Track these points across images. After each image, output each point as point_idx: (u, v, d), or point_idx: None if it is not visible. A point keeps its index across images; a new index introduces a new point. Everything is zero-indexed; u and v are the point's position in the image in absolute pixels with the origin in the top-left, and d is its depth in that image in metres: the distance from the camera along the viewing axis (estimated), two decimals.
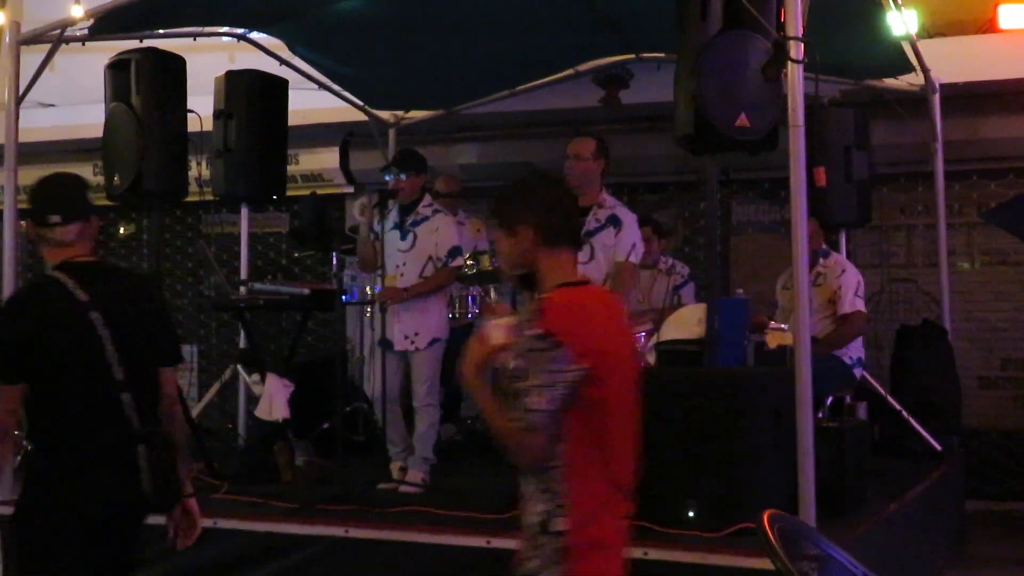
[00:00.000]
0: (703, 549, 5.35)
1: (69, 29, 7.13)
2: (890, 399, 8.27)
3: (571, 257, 3.39)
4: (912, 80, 8.80)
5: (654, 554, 5.38)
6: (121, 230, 13.50)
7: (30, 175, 12.62)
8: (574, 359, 3.11)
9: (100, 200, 8.30)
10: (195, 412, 8.27)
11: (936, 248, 9.38)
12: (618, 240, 6.76)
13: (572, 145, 6.88)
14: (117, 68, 7.43)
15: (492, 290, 8.85)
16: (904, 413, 8.22)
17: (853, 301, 7.68)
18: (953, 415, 8.79)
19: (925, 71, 8.69)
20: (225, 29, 8.32)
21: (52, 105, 11.77)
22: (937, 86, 8.96)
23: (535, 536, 3.31)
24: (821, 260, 7.76)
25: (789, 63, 5.43)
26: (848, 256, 8.69)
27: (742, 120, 5.75)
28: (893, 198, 10.26)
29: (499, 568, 5.62)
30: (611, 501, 3.38)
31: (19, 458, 11.15)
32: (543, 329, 3.13)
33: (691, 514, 5.65)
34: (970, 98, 9.53)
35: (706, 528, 5.54)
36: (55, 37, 7.13)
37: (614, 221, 6.78)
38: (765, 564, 5.07)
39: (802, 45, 5.40)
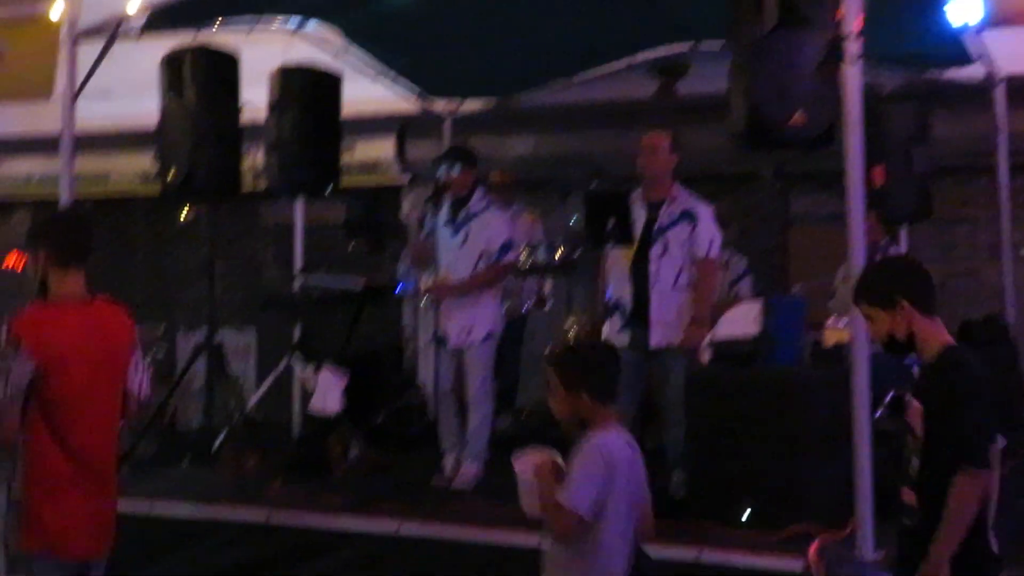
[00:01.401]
0: (758, 551, 5.30)
1: (124, 24, 7.14)
2: None
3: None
4: (975, 71, 8.63)
5: (708, 556, 5.33)
6: (182, 217, 13.59)
7: (89, 164, 12.76)
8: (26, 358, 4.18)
9: (155, 190, 8.38)
10: (250, 404, 8.32)
11: (999, 241, 9.21)
12: (695, 235, 6.66)
13: (648, 138, 6.80)
14: (171, 64, 7.48)
15: (547, 283, 8.84)
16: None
17: None
18: (1017, 412, 8.63)
19: (988, 62, 8.52)
20: (279, 21, 8.32)
21: (107, 97, 11.84)
22: (1001, 77, 8.78)
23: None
24: (879, 255, 7.61)
25: (846, 59, 5.33)
26: (909, 250, 8.55)
27: (798, 117, 5.64)
28: (955, 191, 10.07)
29: None
30: (75, 478, 4.32)
31: None
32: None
33: (747, 515, 5.60)
34: None
35: (762, 529, 5.47)
36: (110, 31, 7.15)
37: (689, 216, 6.69)
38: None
39: (859, 41, 5.29)
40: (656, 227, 6.67)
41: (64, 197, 7.18)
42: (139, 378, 4.63)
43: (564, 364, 4.25)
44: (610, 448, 4.04)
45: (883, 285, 4.06)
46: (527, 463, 4.15)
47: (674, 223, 6.66)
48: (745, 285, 8.32)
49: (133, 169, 12.85)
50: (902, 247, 8.36)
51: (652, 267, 6.59)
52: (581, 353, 4.38)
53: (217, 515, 6.48)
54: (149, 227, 13.84)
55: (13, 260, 13.11)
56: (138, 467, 7.90)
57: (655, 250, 6.61)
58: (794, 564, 5.19)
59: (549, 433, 8.46)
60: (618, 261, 6.69)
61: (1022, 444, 8.51)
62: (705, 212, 6.76)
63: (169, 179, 7.62)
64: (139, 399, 4.65)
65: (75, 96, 7.16)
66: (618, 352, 4.29)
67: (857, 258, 5.41)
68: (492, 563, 5.77)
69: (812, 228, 10.47)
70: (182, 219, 13.31)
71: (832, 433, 5.65)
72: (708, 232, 6.70)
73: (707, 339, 6.29)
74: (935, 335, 3.99)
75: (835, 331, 6.59)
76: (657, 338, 6.60)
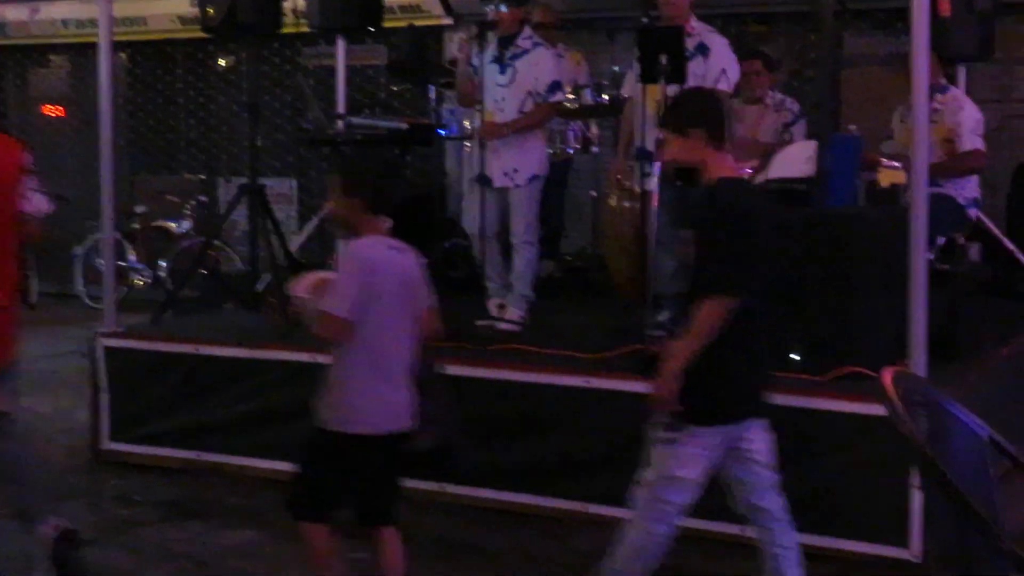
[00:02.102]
0: (808, 392, 5.24)
1: None
2: (1005, 240, 7.98)
3: None
4: None
5: None
6: (221, 62, 13.46)
7: (127, 7, 12.59)
8: None
9: (195, 32, 8.26)
10: (294, 247, 8.28)
11: None
12: (707, 68, 6.49)
13: None
14: None
15: (593, 124, 8.67)
16: (1019, 255, 7.93)
17: (971, 139, 7.29)
18: None
19: None
20: None
21: None
22: None
23: None
24: (938, 96, 7.34)
25: None
26: (967, 90, 8.28)
27: None
28: (1017, 29, 9.74)
29: (598, 407, 5.61)
30: None
31: (124, 291, 11.21)
32: None
33: (797, 357, 5.52)
34: None
35: (812, 371, 5.40)
36: None
37: (702, 49, 6.49)
38: (871, 409, 4.99)
39: None
40: None
41: (103, 42, 7.03)
42: (35, 200, 4.78)
43: (348, 171, 4.49)
44: (366, 252, 4.22)
45: (683, 114, 4.22)
46: (302, 284, 4.32)
47: (691, 57, 6.46)
48: (799, 128, 8.11)
49: (172, 11, 12.70)
50: (961, 88, 8.08)
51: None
52: (366, 166, 4.75)
53: (263, 355, 6.48)
54: (189, 71, 13.70)
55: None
56: (182, 311, 7.93)
57: (672, 88, 6.42)
58: (844, 405, 5.14)
59: (593, 277, 8.52)
60: (639, 104, 6.48)
61: None
62: (718, 42, 6.56)
63: (209, 19, 7.45)
64: (37, 217, 4.80)
65: None
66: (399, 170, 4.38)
67: (920, 94, 5.21)
68: (538, 403, 5.75)
69: (866, 70, 10.20)
70: (222, 64, 13.16)
71: (885, 274, 5.54)
72: (720, 62, 6.51)
73: (761, 178, 6.13)
74: (720, 167, 4.09)
75: (891, 171, 6.40)
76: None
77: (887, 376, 2.20)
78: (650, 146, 6.40)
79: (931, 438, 2.20)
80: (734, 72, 6.60)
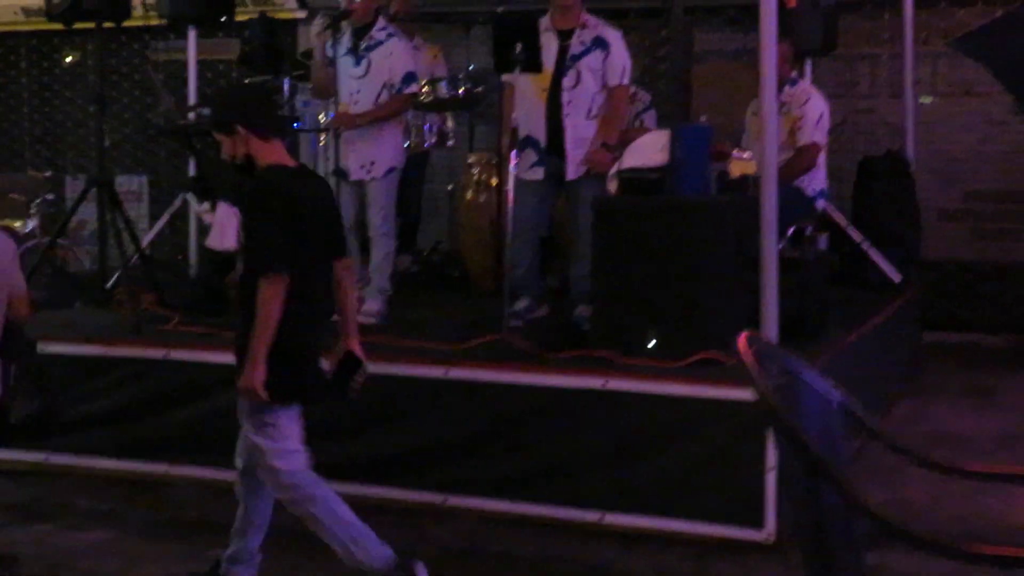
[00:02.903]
0: (664, 379, 5.30)
1: None
2: (850, 230, 8.21)
3: None
4: None
5: (614, 384, 5.33)
6: (67, 59, 13.10)
7: None
8: None
9: (40, 24, 8.02)
10: (145, 243, 8.10)
11: (901, 78, 9.22)
12: (608, 64, 6.58)
13: None
14: None
15: (448, 118, 8.67)
16: (864, 244, 8.16)
17: (812, 132, 7.48)
18: (913, 247, 8.77)
19: None
20: None
21: None
22: None
23: None
24: (787, 88, 7.54)
25: None
26: (812, 84, 8.49)
27: None
28: (858, 26, 10.03)
29: (458, 397, 5.60)
30: None
31: None
32: None
33: (652, 343, 5.59)
34: None
35: (667, 357, 5.47)
36: None
37: (600, 43, 6.57)
38: (726, 393, 5.08)
39: None
40: (568, 56, 6.54)
41: None
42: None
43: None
44: None
45: (222, 113, 4.47)
46: None
47: (587, 51, 6.54)
48: (650, 117, 8.25)
49: (15, 2, 12.32)
50: (807, 81, 8.28)
51: (565, 97, 6.47)
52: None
53: (114, 352, 6.32)
54: (34, 66, 13.30)
55: None
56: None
57: (568, 80, 6.50)
58: (698, 390, 5.22)
59: (449, 271, 8.52)
60: (526, 93, 6.53)
61: (919, 277, 8.71)
62: (616, 38, 6.66)
63: (53, 6, 7.24)
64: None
65: None
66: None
67: (769, 86, 5.32)
68: (395, 394, 5.72)
69: (716, 65, 10.39)
70: (68, 59, 12.82)
71: (737, 262, 5.64)
72: (620, 59, 6.62)
73: (615, 168, 6.20)
74: (268, 156, 4.33)
75: (741, 162, 6.53)
76: (573, 170, 6.53)
77: (742, 338, 2.25)
78: (540, 135, 6.50)
79: (784, 401, 2.25)
80: (630, 67, 6.70)
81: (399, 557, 4.40)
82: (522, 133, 6.60)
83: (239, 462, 4.55)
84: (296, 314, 4.21)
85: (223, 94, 4.80)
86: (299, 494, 4.36)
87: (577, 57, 6.52)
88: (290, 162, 4.46)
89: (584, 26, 6.59)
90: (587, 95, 6.54)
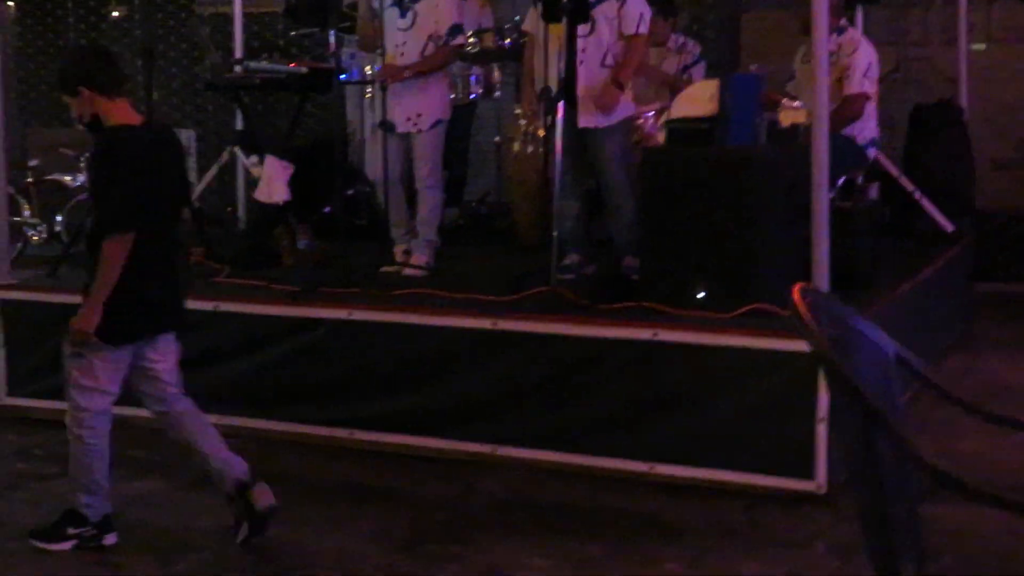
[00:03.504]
0: (713, 330, 5.27)
1: None
2: (902, 180, 8.10)
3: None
4: None
5: (664, 335, 5.31)
6: (114, 13, 13.14)
7: None
8: None
9: None
10: (194, 196, 8.12)
11: (954, 25, 9.06)
12: (623, 12, 6.47)
13: None
14: None
15: (495, 69, 8.62)
16: (916, 194, 8.06)
17: (860, 82, 7.35)
18: (966, 196, 8.65)
19: None
20: None
21: None
22: None
23: None
24: (835, 36, 7.41)
25: None
26: (863, 32, 8.37)
27: None
28: None
29: (505, 349, 5.60)
30: None
31: (19, 247, 11.01)
32: None
33: (701, 295, 5.56)
34: None
35: (717, 309, 5.44)
36: None
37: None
38: (776, 344, 5.05)
39: None
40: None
41: None
42: None
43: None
44: None
45: (66, 75, 4.53)
46: None
47: (601, 0, 6.43)
48: (698, 71, 8.17)
49: None
50: (856, 29, 8.16)
51: (579, 45, 6.34)
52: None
53: None
54: (81, 20, 13.35)
55: None
56: (78, 264, 7.75)
57: (582, 28, 6.37)
58: (748, 340, 5.19)
59: (497, 224, 8.50)
60: (544, 44, 6.44)
61: (972, 227, 8.60)
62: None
63: None
64: None
65: None
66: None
67: (820, 35, 5.24)
68: (444, 346, 5.73)
69: (764, 13, 10.26)
70: (115, 14, 12.86)
71: (788, 212, 5.59)
72: (636, 6, 6.50)
73: (662, 119, 6.15)
74: (116, 115, 4.46)
75: (792, 111, 6.44)
76: (585, 118, 6.46)
77: (795, 289, 2.22)
78: (553, 85, 6.36)
79: (839, 352, 2.22)
80: (648, 15, 6.58)
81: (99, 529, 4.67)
82: (539, 84, 6.53)
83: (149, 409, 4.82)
84: (138, 267, 4.40)
85: (65, 57, 4.93)
86: (79, 430, 4.58)
87: (592, 5, 6.38)
88: (136, 120, 4.58)
89: None
90: (601, 44, 6.44)
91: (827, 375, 2.21)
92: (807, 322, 2.10)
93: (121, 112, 4.50)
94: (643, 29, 6.54)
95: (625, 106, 6.60)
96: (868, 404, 2.07)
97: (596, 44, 6.45)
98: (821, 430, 4.98)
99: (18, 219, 11.40)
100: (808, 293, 2.22)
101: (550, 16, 6.11)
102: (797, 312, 2.13)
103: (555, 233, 6.18)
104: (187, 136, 12.29)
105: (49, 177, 11.82)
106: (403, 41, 6.83)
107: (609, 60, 6.48)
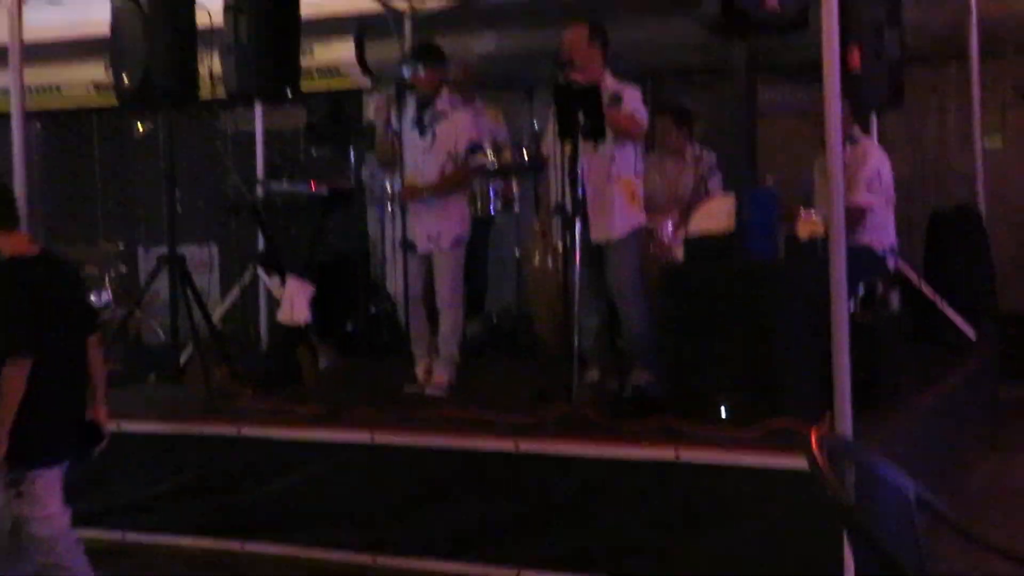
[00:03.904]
0: (736, 449, 5.23)
1: None
2: (923, 287, 8.09)
3: None
4: None
5: (686, 455, 5.27)
6: (139, 127, 13.32)
7: (40, 75, 12.48)
8: None
9: (111, 99, 8.16)
10: (216, 316, 8.18)
11: (970, 129, 9.11)
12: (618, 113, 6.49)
13: (566, 34, 6.61)
14: None
15: (514, 183, 8.69)
16: (938, 301, 8.04)
17: (860, 195, 7.36)
18: (987, 301, 8.62)
19: None
20: None
21: (59, 2, 11.53)
22: None
23: None
24: (847, 146, 7.46)
25: None
26: (879, 138, 8.41)
27: (772, 2, 5.49)
28: (925, 78, 9.95)
29: (527, 470, 5.57)
30: None
31: None
32: None
33: (724, 411, 5.54)
34: None
35: (740, 425, 5.41)
36: None
37: (616, 99, 6.48)
38: (800, 463, 4.98)
39: None
40: None
41: (15, 112, 6.93)
42: None
43: None
44: None
45: None
46: None
47: (608, 107, 6.47)
48: (715, 181, 8.21)
49: (87, 79, 12.58)
50: (873, 136, 8.22)
51: (584, 159, 6.30)
52: None
53: (187, 430, 6.37)
54: (105, 140, 13.55)
55: None
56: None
57: (587, 142, 6.39)
58: (772, 459, 5.14)
59: (519, 336, 8.51)
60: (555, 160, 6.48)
61: (996, 331, 8.55)
62: (630, 92, 6.52)
63: (123, 87, 7.37)
64: None
65: (20, 1, 6.89)
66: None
67: (834, 146, 5.28)
68: (467, 468, 5.70)
69: (781, 120, 10.35)
70: (139, 130, 13.03)
71: (809, 325, 5.58)
72: (631, 104, 6.47)
73: (681, 235, 6.18)
74: (9, 248, 4.65)
75: (809, 223, 6.47)
76: (595, 232, 6.45)
77: (813, 437, 2.21)
78: (564, 201, 6.39)
79: (858, 497, 2.21)
80: (642, 115, 6.56)
81: None
82: (553, 199, 6.57)
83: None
84: (42, 388, 4.53)
85: None
86: (55, 559, 4.65)
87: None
88: (33, 250, 4.75)
89: (605, 90, 6.50)
90: (605, 156, 6.45)
91: (848, 530, 2.19)
92: (828, 479, 2.09)
93: (18, 244, 4.70)
94: (639, 116, 6.50)
95: (634, 216, 6.59)
96: (889, 558, 2.05)
97: (600, 157, 6.46)
98: (848, 553, 4.91)
99: None
100: (826, 440, 2.21)
101: (566, 133, 6.16)
102: (817, 467, 2.12)
103: (575, 347, 6.17)
104: (210, 251, 12.41)
105: None
106: (423, 160, 6.91)
107: (614, 170, 6.50)
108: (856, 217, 7.31)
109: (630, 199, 6.52)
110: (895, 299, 7.99)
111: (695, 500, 5.26)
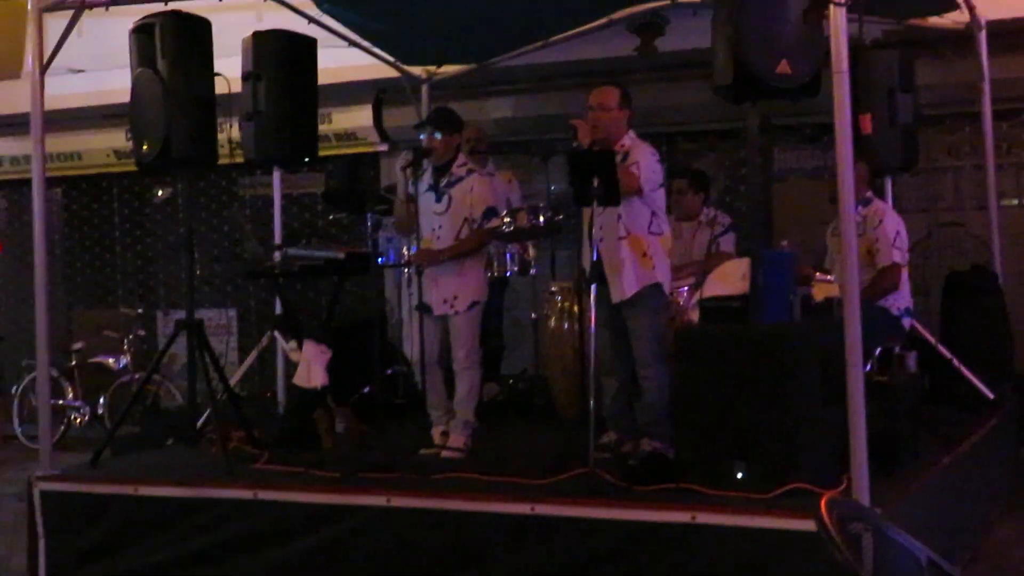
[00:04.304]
0: (753, 512, 5.21)
1: None
2: (940, 348, 8.08)
3: None
4: (957, 17, 8.54)
5: (703, 518, 5.25)
6: (159, 192, 13.46)
7: (62, 142, 12.72)
8: None
9: (130, 166, 8.26)
10: (233, 380, 8.21)
11: (985, 190, 9.14)
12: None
13: (595, 95, 6.59)
14: (142, 32, 7.27)
15: (530, 247, 8.73)
16: (955, 362, 8.02)
17: (890, 253, 7.45)
18: (1005, 361, 8.60)
19: (970, 7, 8.42)
20: None
21: (81, 71, 11.70)
22: (983, 23, 8.69)
23: None
24: (860, 208, 7.49)
25: (831, 6, 5.22)
26: (894, 201, 8.46)
27: (783, 67, 5.55)
28: (939, 140, 10.01)
29: (543, 533, 5.56)
30: None
31: (62, 429, 11.17)
32: None
33: (740, 475, 5.52)
34: (1018, 34, 9.26)
35: (757, 489, 5.39)
36: (77, 3, 6.99)
37: (623, 158, 6.50)
38: (815, 526, 4.97)
39: None
40: None
41: (36, 177, 7.02)
42: None
43: None
44: None
45: None
46: None
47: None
48: (727, 241, 8.21)
49: (107, 145, 12.74)
50: (888, 199, 8.25)
51: (597, 221, 6.24)
52: None
53: (204, 494, 6.38)
54: (125, 204, 13.69)
55: None
56: (121, 449, 7.81)
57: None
58: (790, 522, 5.12)
59: (537, 400, 8.52)
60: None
61: (1014, 392, 8.52)
62: (639, 150, 6.49)
63: (143, 154, 7.45)
64: None
65: (43, 71, 6.99)
66: None
67: (847, 210, 5.31)
68: (483, 531, 5.69)
69: (796, 182, 10.41)
70: (158, 195, 13.18)
71: (825, 388, 5.58)
72: (635, 159, 6.42)
73: (695, 297, 6.19)
74: None
75: (824, 284, 6.50)
76: (612, 293, 6.43)
77: (823, 502, 2.22)
78: (585, 265, 6.41)
79: (872, 561, 2.21)
80: (646, 171, 6.43)
81: None
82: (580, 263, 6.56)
83: None
84: None
85: None
86: None
87: None
88: None
89: (622, 147, 6.49)
90: (614, 215, 6.40)
91: None
92: (837, 542, 2.09)
93: None
94: (643, 179, 6.40)
95: (645, 275, 6.51)
96: None
97: (610, 215, 6.42)
98: None
99: (61, 402, 11.59)
100: (836, 505, 2.21)
101: (581, 201, 6.19)
102: (826, 531, 2.12)
103: (592, 410, 6.17)
104: (228, 315, 12.50)
105: (93, 360, 12.02)
106: (439, 224, 6.95)
107: (621, 231, 6.50)
108: (895, 275, 7.37)
109: (641, 257, 6.50)
110: (912, 360, 7.97)
111: (712, 563, 5.23)
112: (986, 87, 8.85)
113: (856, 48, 6.21)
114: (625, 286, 6.46)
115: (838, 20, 5.24)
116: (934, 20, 8.66)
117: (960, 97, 9.21)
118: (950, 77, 9.17)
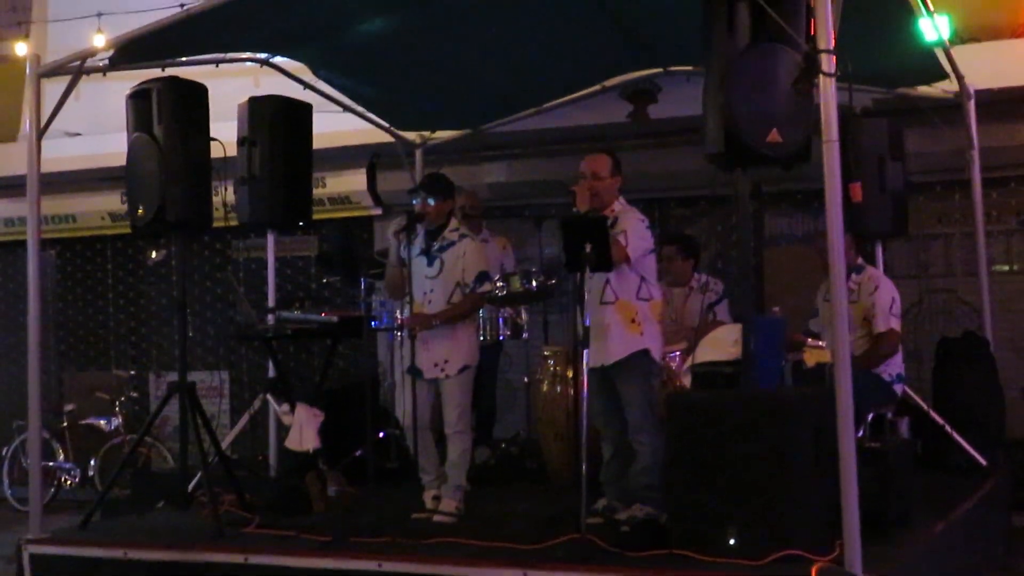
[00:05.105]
0: None
1: (89, 60, 7.04)
2: (932, 414, 8.10)
3: None
4: (946, 87, 8.64)
5: None
6: (153, 254, 13.50)
7: (57, 204, 12.77)
8: None
9: (125, 228, 8.28)
10: (225, 443, 8.19)
11: (975, 257, 9.20)
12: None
13: (588, 163, 6.63)
14: (138, 98, 7.32)
15: (522, 310, 8.76)
16: (947, 428, 8.04)
17: (887, 319, 7.50)
18: (997, 427, 8.61)
19: (959, 77, 8.52)
20: (247, 55, 8.25)
21: (78, 134, 11.77)
22: (972, 92, 8.79)
23: None
24: (854, 276, 7.56)
25: (821, 76, 5.29)
26: (885, 267, 8.53)
27: (774, 135, 5.60)
28: (929, 207, 10.09)
29: None
30: None
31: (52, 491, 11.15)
32: None
33: (732, 541, 5.51)
34: (1006, 103, 9.37)
35: (749, 556, 5.38)
36: (75, 69, 7.06)
37: (613, 223, 6.54)
38: None
39: (833, 57, 5.26)
40: None
41: (31, 239, 7.06)
42: None
43: None
44: None
45: None
46: None
47: None
48: (722, 309, 8.25)
49: (102, 208, 12.79)
50: (879, 265, 8.31)
51: (587, 285, 6.27)
52: None
53: (194, 558, 6.35)
54: (119, 267, 13.72)
55: None
56: (111, 511, 7.78)
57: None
58: None
59: (529, 464, 8.51)
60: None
61: (1006, 458, 8.53)
62: (627, 217, 6.52)
63: (138, 217, 7.48)
64: None
65: (40, 135, 7.04)
66: None
67: (838, 275, 5.35)
68: None
69: (787, 248, 10.47)
70: (152, 257, 13.22)
71: (816, 454, 5.58)
72: (622, 226, 6.45)
73: (688, 363, 6.21)
74: None
75: (816, 351, 6.53)
76: (593, 357, 6.33)
77: (815, 570, 2.23)
78: (579, 329, 6.41)
79: None
80: (637, 237, 6.47)
81: None
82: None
83: None
84: None
85: None
86: None
87: None
88: None
89: (612, 213, 6.54)
90: (600, 280, 6.43)
91: None
92: None
93: None
94: (630, 249, 6.41)
95: (633, 341, 6.50)
96: None
97: (597, 280, 6.43)
98: None
99: (52, 463, 11.55)
100: (828, 573, 2.22)
101: (573, 267, 6.22)
102: None
103: (584, 476, 6.15)
104: (220, 377, 12.48)
105: (84, 421, 12.00)
106: (431, 288, 6.97)
107: (608, 296, 6.50)
108: (893, 341, 7.42)
109: (628, 323, 6.51)
110: (904, 426, 7.99)
111: None
112: (975, 155, 8.94)
113: (846, 117, 6.28)
114: (611, 351, 6.47)
115: (828, 89, 5.30)
116: (923, 89, 8.76)
117: (949, 165, 9.30)
118: (940, 145, 9.26)
